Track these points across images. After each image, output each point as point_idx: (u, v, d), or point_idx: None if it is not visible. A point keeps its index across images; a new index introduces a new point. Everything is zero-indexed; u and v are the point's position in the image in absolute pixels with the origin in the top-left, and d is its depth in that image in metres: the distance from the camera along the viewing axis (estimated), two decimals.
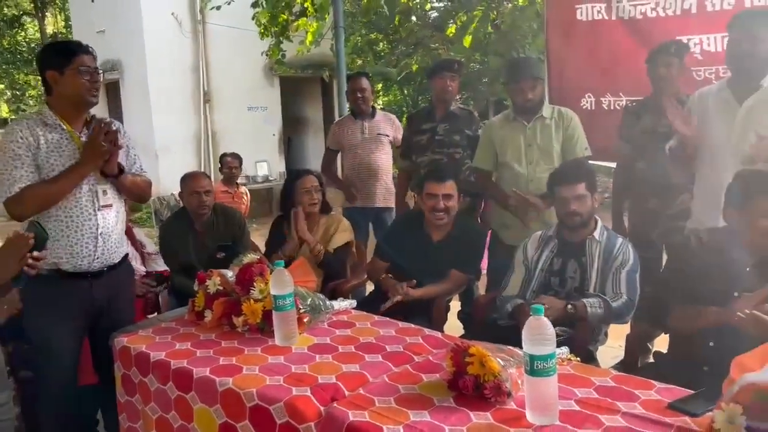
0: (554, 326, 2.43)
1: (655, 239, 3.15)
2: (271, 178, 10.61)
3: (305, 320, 2.21)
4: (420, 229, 3.03)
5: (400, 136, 4.27)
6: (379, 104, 16.08)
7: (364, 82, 4.26)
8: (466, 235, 2.97)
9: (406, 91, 13.34)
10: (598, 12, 3.83)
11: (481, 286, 3.58)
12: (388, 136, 4.28)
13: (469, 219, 3.19)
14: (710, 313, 2.08)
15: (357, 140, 4.25)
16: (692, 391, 1.67)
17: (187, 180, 3.51)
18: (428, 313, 2.89)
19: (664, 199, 3.11)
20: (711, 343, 2.08)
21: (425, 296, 2.88)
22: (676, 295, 2.26)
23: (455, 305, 3.42)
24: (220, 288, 2.34)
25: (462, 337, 2.60)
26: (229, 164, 5.31)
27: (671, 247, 3.10)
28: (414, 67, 9.70)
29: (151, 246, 3.63)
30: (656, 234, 3.14)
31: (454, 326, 3.37)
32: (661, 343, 2.62)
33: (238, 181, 5.52)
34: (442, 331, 2.84)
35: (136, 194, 2.62)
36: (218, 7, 8.06)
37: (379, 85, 13.34)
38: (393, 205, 4.21)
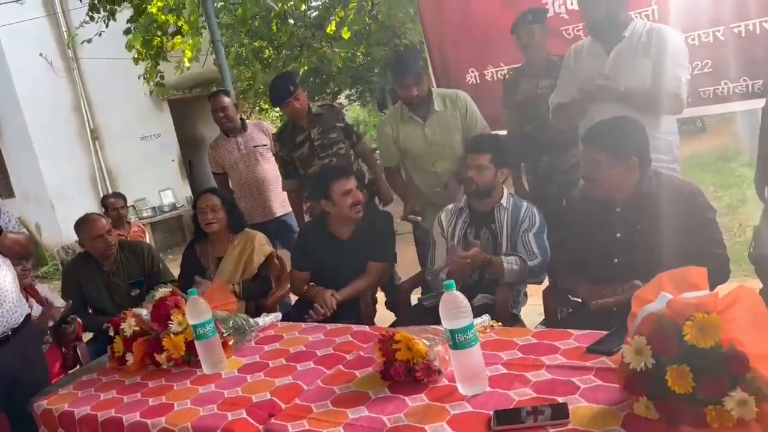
0: (474, 283, 2.53)
1: (554, 196, 3.30)
2: (178, 205, 10.27)
3: (230, 343, 2.17)
4: (326, 233, 3.00)
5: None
6: (277, 111, 15.86)
7: (224, 100, 4.16)
8: (372, 224, 2.97)
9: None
10: None
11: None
12: (265, 145, 4.21)
13: (371, 208, 3.21)
14: (582, 290, 2.27)
15: (236, 158, 4.16)
16: (606, 332, 1.77)
17: (84, 226, 3.33)
18: (357, 310, 2.90)
19: (555, 156, 3.26)
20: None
21: (351, 296, 2.88)
22: (568, 248, 2.38)
23: (381, 296, 3.45)
24: (137, 329, 2.26)
25: (392, 325, 2.64)
26: (114, 205, 4.84)
27: (568, 200, 3.26)
28: (305, 68, 9.65)
29: (59, 301, 3.43)
30: (554, 190, 3.30)
31: (385, 317, 3.40)
32: None
33: (129, 220, 5.19)
34: (373, 324, 2.88)
35: (18, 252, 2.46)
36: (89, 41, 7.71)
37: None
38: (290, 209, 4.14)
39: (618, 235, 2.20)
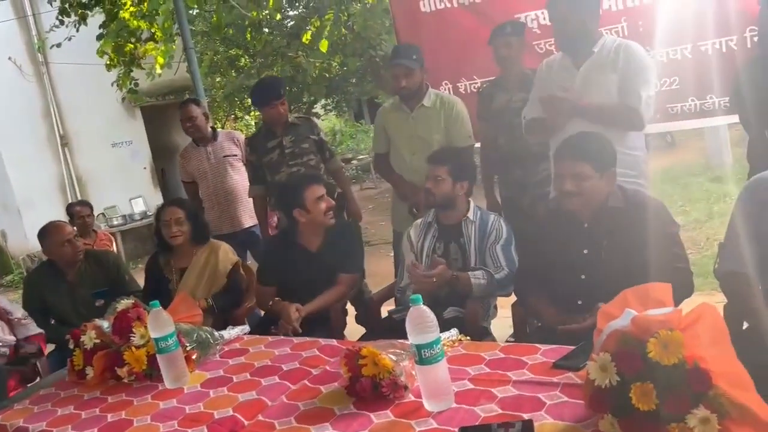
0: (444, 296, 2.52)
1: (526, 208, 3.31)
2: (149, 214, 10.08)
3: (194, 357, 2.12)
4: (295, 244, 2.94)
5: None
6: (249, 118, 15.78)
7: (193, 110, 4.08)
8: (341, 235, 2.94)
9: None
10: (440, 1, 3.96)
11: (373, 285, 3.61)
12: (236, 155, 4.15)
13: (338, 219, 3.20)
14: (546, 314, 2.27)
15: (205, 168, 4.10)
16: (573, 347, 1.76)
17: (49, 233, 3.27)
18: (327, 322, 2.86)
19: (527, 168, 3.28)
20: (579, 302, 2.20)
21: (321, 308, 2.82)
22: (535, 265, 2.38)
23: (352, 309, 3.41)
24: (98, 341, 2.20)
25: (361, 338, 2.61)
26: (80, 213, 4.81)
27: (535, 217, 3.27)
28: (279, 77, 9.63)
29: (20, 311, 3.34)
30: (526, 203, 3.31)
31: (356, 330, 3.36)
32: None
33: (96, 228, 5.13)
34: (343, 336, 2.84)
35: None
36: (59, 45, 7.58)
37: (250, 100, 13.09)
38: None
39: (585, 251, 2.20)
